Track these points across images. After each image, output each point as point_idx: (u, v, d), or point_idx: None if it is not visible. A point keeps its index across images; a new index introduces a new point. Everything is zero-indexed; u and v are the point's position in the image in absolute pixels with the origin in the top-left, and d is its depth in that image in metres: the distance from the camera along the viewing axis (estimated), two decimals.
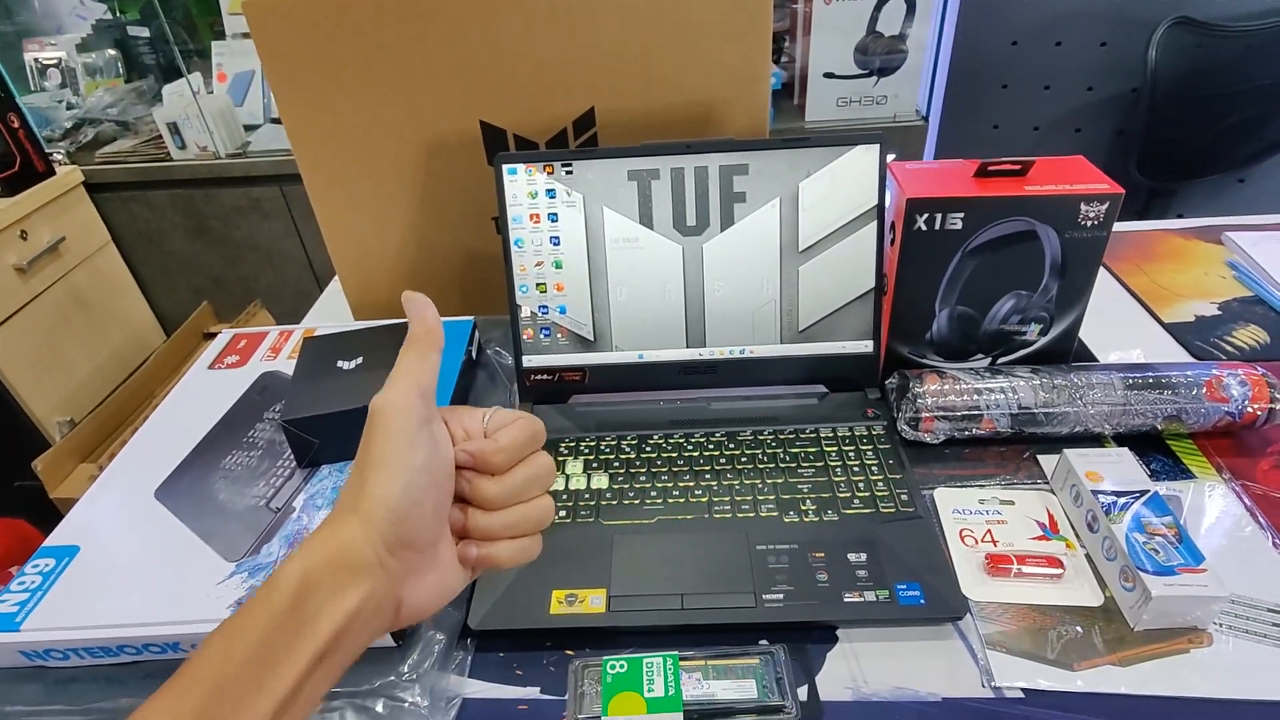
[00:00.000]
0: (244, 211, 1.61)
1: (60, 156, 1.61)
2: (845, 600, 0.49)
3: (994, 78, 1.52)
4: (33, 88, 1.80)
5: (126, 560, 0.49)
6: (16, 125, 1.46)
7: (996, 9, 1.45)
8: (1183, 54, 1.33)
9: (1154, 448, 0.60)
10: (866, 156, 0.61)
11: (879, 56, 1.33)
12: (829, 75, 1.35)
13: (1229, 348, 0.70)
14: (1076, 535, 0.54)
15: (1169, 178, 1.45)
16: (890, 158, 0.61)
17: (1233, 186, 1.52)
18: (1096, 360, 0.68)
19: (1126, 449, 0.56)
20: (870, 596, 0.49)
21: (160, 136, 1.57)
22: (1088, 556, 0.52)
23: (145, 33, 1.81)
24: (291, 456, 0.56)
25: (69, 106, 1.76)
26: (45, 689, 0.46)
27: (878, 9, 1.28)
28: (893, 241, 0.62)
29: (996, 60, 1.50)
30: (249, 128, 1.67)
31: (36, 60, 1.80)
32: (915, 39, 1.31)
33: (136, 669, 0.46)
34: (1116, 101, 1.52)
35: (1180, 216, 1.61)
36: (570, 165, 0.62)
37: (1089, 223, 0.58)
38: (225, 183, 1.57)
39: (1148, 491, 0.52)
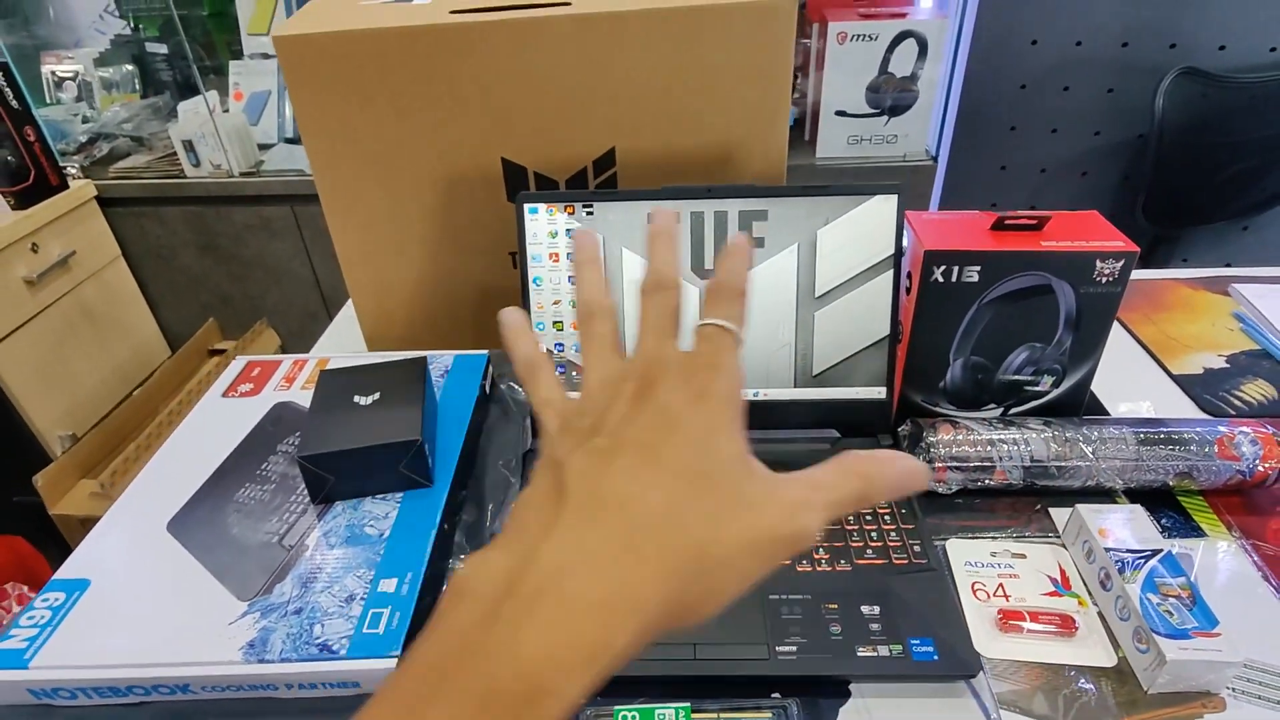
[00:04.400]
0: (254, 230, 1.62)
1: (74, 170, 1.62)
2: (859, 654, 0.48)
3: (1002, 120, 1.54)
4: (49, 100, 1.82)
5: (137, 596, 0.49)
6: (33, 138, 1.47)
7: (1006, 53, 1.47)
8: (1189, 103, 1.36)
9: (1165, 503, 0.60)
10: (884, 206, 0.61)
11: (890, 96, 1.34)
12: (841, 113, 1.36)
13: (1238, 403, 0.71)
14: (1089, 592, 0.53)
15: (1174, 223, 1.46)
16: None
17: (1237, 234, 1.53)
18: (1107, 412, 0.69)
19: (1139, 506, 0.56)
20: (884, 651, 0.48)
21: (175, 153, 1.58)
22: (1100, 614, 0.52)
23: (163, 50, 1.83)
24: (304, 491, 0.56)
25: (84, 120, 1.77)
26: None
27: (890, 50, 1.31)
28: (909, 290, 0.63)
29: (1005, 103, 1.52)
30: (263, 146, 1.68)
31: (53, 73, 1.82)
32: (926, 80, 1.33)
33: (144, 710, 0.45)
34: (1123, 147, 1.54)
35: (1185, 261, 1.63)
36: (591, 206, 0.63)
37: (1104, 279, 0.59)
38: (237, 201, 1.58)
39: (1161, 550, 0.52)
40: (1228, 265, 1.06)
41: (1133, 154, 1.53)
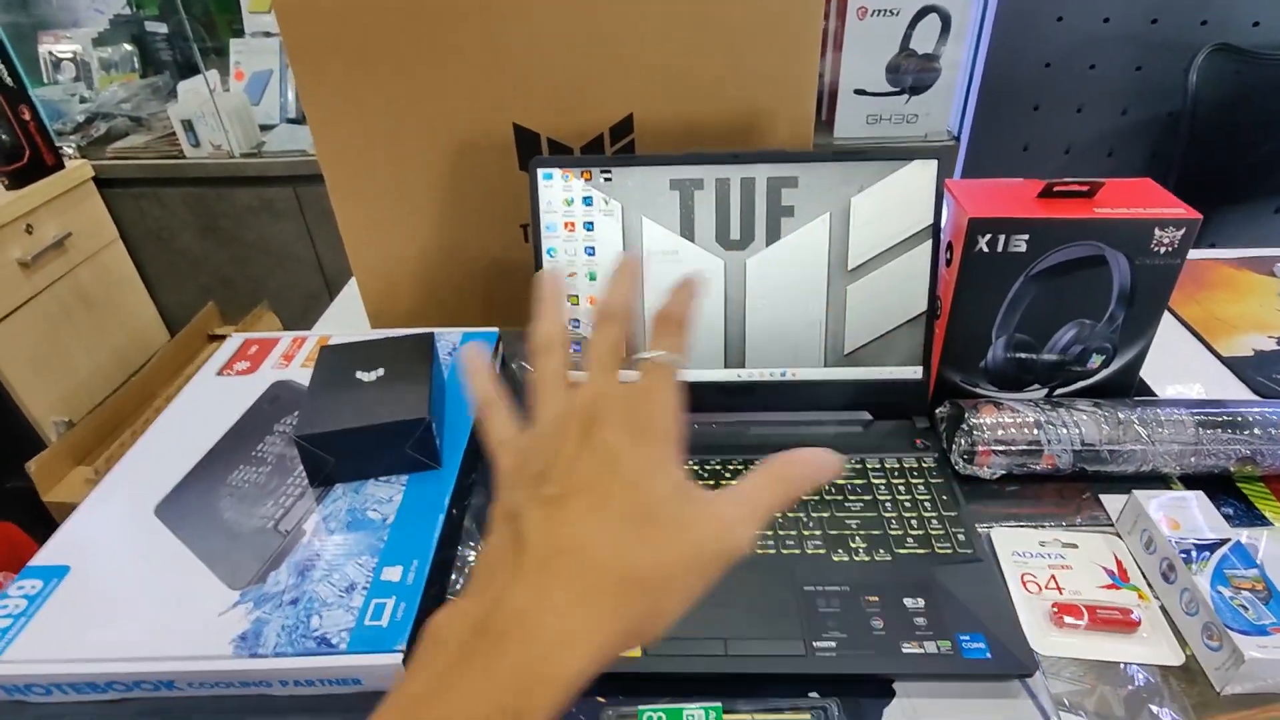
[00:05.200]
0: (256, 212, 1.58)
1: (71, 150, 1.58)
2: (904, 651, 0.44)
3: (1026, 98, 1.49)
4: (46, 80, 1.78)
5: (120, 584, 0.45)
6: (27, 117, 1.43)
7: (1030, 30, 1.42)
8: (1222, 80, 1.31)
9: (1224, 490, 0.56)
10: (923, 172, 0.57)
11: (911, 74, 1.30)
12: (860, 91, 1.32)
13: None
14: (1149, 585, 0.50)
15: (1205, 204, 1.40)
16: None
17: (1268, 216, 1.48)
18: (1155, 395, 0.65)
19: (1200, 492, 0.52)
20: (930, 648, 0.45)
21: (174, 133, 1.54)
22: (1163, 608, 0.48)
23: (163, 29, 1.78)
24: (303, 473, 0.52)
25: (82, 100, 1.73)
26: None
27: (911, 26, 1.26)
28: (948, 263, 0.59)
29: (1029, 81, 1.47)
30: (265, 127, 1.64)
31: (51, 53, 1.78)
32: (948, 58, 1.29)
33: (126, 707, 0.41)
34: (1151, 125, 1.48)
35: (1213, 245, 1.58)
36: (609, 172, 0.59)
37: (1162, 249, 0.55)
38: (238, 182, 1.54)
39: (1229, 540, 0.48)
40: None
41: (1161, 133, 1.48)
